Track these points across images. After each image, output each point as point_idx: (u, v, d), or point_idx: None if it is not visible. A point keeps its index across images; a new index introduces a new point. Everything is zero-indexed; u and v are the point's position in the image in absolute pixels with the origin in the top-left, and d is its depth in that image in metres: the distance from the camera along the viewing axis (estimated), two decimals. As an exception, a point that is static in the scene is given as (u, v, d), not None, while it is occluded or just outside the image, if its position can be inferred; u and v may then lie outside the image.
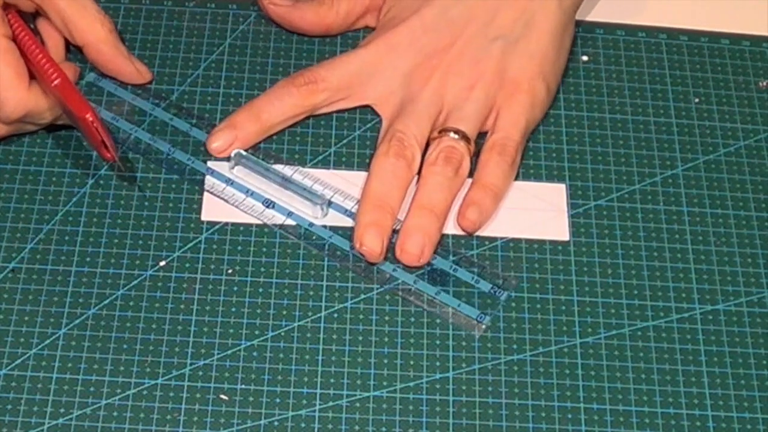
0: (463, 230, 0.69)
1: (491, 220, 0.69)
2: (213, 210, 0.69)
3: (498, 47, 0.71)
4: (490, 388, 0.64)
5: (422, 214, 0.68)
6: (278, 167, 0.70)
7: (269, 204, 0.69)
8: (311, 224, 0.69)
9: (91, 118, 0.65)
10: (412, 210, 0.68)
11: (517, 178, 0.71)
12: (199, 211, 0.69)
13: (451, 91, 0.71)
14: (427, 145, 0.70)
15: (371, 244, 0.67)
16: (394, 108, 0.71)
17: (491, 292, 0.67)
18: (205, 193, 0.69)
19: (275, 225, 0.69)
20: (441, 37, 0.72)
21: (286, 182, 0.70)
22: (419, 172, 0.69)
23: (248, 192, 0.70)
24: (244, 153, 0.70)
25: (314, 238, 0.68)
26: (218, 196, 0.69)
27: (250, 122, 0.71)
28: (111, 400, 0.62)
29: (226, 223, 0.69)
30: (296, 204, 0.69)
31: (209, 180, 0.70)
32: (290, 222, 0.69)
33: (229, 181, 0.70)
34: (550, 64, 0.72)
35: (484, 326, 0.66)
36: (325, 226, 0.69)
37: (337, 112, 0.73)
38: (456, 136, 0.69)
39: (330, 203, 0.69)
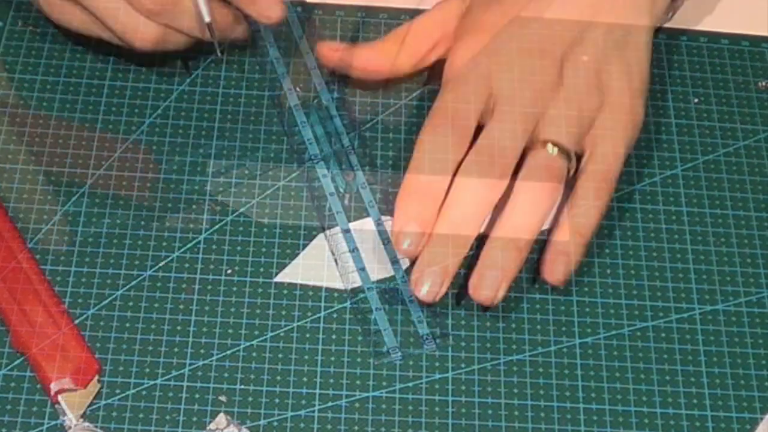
0: (547, 283, 0.65)
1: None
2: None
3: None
4: (489, 388, 0.64)
5: (504, 246, 0.63)
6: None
7: (269, 204, 0.69)
8: (311, 224, 0.69)
9: None
10: (493, 239, 0.64)
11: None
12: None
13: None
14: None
15: (429, 289, 0.63)
16: None
17: (424, 337, 0.65)
18: (205, 193, 0.70)
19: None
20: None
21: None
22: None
23: (248, 192, 0.70)
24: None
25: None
26: (218, 196, 0.70)
27: None
28: (111, 400, 0.62)
29: (226, 223, 0.69)
30: (296, 204, 0.69)
31: (209, 180, 0.70)
32: (290, 222, 0.69)
33: (228, 181, 0.70)
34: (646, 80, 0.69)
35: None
36: (324, 226, 0.69)
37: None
38: (554, 151, 0.65)
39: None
